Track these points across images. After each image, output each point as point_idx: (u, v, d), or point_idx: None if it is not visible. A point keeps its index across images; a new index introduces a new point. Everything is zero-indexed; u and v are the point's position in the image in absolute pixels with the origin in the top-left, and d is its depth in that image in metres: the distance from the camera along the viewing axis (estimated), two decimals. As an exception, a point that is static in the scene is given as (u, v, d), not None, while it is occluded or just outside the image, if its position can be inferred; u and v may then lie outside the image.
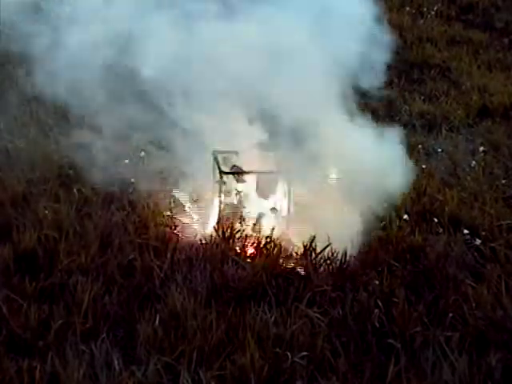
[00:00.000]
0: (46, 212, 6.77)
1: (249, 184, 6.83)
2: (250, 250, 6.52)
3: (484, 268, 6.46)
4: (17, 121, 8.49)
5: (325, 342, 5.53)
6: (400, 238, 6.73)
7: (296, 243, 6.60)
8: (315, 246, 6.49)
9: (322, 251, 6.45)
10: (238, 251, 6.49)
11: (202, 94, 6.64)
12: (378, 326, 5.71)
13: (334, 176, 6.65)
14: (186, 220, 7.02)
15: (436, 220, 7.11)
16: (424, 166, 8.16)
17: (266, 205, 6.84)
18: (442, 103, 10.02)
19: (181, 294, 5.85)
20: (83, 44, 6.90)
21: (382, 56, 6.75)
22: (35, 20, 7.60)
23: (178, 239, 6.60)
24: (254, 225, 6.77)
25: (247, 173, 6.80)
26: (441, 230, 7.00)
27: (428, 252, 6.53)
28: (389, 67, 7.30)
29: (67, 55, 6.93)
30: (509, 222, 7.18)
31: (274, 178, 6.80)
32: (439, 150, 8.72)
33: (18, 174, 7.43)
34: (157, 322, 5.59)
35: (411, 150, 8.50)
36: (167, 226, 6.81)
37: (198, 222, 7.00)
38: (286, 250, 6.54)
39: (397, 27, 12.27)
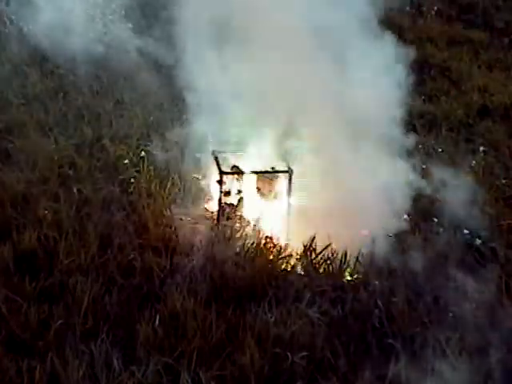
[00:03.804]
0: (46, 212, 6.77)
1: (249, 184, 6.83)
2: (250, 250, 6.51)
3: (484, 268, 6.46)
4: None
5: (325, 342, 5.53)
6: (399, 238, 6.73)
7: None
8: (315, 245, 6.49)
9: (322, 251, 6.45)
10: (238, 251, 6.49)
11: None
12: (377, 326, 5.72)
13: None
14: (186, 220, 7.02)
15: (436, 220, 7.10)
16: (424, 166, 8.15)
17: (265, 205, 6.84)
18: (442, 103, 10.01)
19: (181, 294, 5.85)
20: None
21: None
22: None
23: (178, 239, 6.60)
24: (254, 225, 6.77)
25: (247, 173, 6.80)
26: (441, 230, 7.00)
27: (427, 252, 6.53)
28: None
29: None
30: (509, 221, 7.19)
31: (273, 178, 6.79)
32: (439, 149, 8.71)
33: (18, 174, 7.43)
34: (157, 322, 5.60)
35: (411, 150, 8.51)
36: (167, 226, 6.81)
37: (199, 222, 7.00)
38: (285, 249, 6.55)
39: (397, 27, 12.27)
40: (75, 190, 7.18)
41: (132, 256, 6.32)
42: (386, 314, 5.79)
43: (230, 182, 6.85)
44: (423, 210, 7.29)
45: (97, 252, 6.33)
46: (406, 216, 7.07)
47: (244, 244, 6.56)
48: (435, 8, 13.28)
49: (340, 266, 6.37)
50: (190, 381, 5.16)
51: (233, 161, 6.88)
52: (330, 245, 6.44)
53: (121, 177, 7.54)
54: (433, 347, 5.48)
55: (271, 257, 6.45)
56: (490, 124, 9.53)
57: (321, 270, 6.37)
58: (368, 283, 6.15)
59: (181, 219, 6.99)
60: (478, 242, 6.82)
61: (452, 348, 5.48)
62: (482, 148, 8.79)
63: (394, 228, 6.83)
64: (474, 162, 8.40)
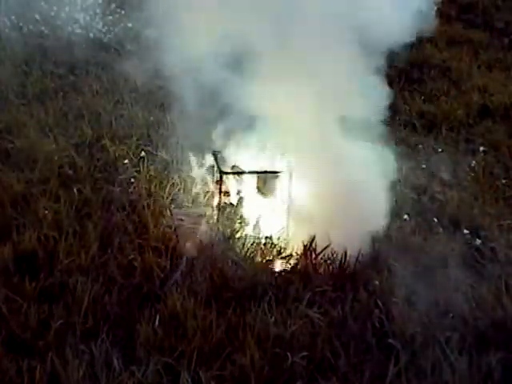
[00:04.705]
0: (46, 212, 6.77)
1: (249, 184, 6.83)
2: (250, 250, 6.52)
3: (484, 268, 6.46)
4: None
5: (325, 342, 5.53)
6: (400, 238, 6.73)
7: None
8: (315, 245, 6.49)
9: (322, 251, 6.45)
10: (238, 251, 6.49)
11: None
12: (378, 326, 5.71)
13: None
14: (186, 220, 7.02)
15: (436, 220, 7.10)
16: (424, 166, 8.16)
17: (265, 205, 6.84)
18: (442, 103, 10.01)
19: (181, 294, 5.85)
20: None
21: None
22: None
23: (177, 239, 6.60)
24: (254, 225, 6.77)
25: (247, 173, 6.80)
26: (441, 230, 7.00)
27: (428, 252, 6.53)
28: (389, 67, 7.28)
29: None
30: (509, 221, 7.19)
31: (274, 178, 6.79)
32: (439, 149, 8.72)
33: (18, 174, 7.43)
34: (157, 322, 5.60)
35: (411, 150, 8.52)
36: (167, 226, 6.81)
37: (198, 222, 7.00)
38: (285, 249, 6.54)
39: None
40: (75, 190, 7.18)
41: (132, 256, 6.32)
42: (385, 314, 5.79)
43: (230, 182, 6.85)
44: (423, 210, 7.30)
45: (97, 252, 6.32)
46: (406, 216, 7.09)
47: (244, 244, 6.57)
48: (435, 8, 13.27)
49: (340, 265, 6.36)
50: (189, 381, 5.16)
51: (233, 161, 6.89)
52: (329, 245, 6.44)
53: (121, 177, 7.54)
54: (433, 347, 5.48)
55: (271, 257, 6.44)
56: (490, 124, 9.53)
57: (321, 270, 6.37)
58: (368, 283, 6.15)
59: (181, 219, 6.99)
60: (478, 241, 6.83)
61: (452, 348, 5.48)
62: (482, 148, 8.79)
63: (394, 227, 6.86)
64: (474, 162, 8.41)
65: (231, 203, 6.83)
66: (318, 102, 6.38)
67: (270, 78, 6.35)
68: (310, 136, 6.47)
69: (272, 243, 6.57)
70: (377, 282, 6.13)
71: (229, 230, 6.66)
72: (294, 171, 6.64)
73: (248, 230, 6.74)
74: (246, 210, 6.84)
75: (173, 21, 6.68)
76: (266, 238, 6.62)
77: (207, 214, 7.06)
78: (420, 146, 8.71)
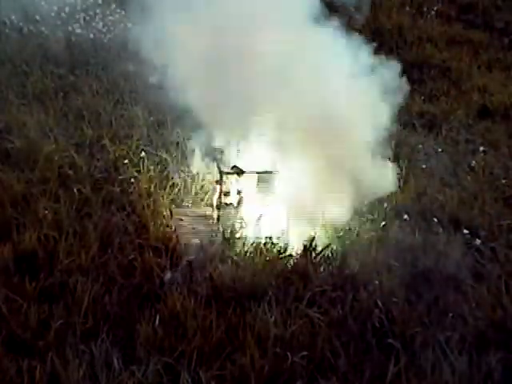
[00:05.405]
0: (46, 212, 6.77)
1: (249, 184, 6.83)
2: (250, 250, 6.51)
3: (484, 268, 6.46)
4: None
5: (325, 342, 5.53)
6: (399, 239, 6.73)
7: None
8: (315, 245, 6.50)
9: (322, 251, 6.45)
10: (238, 251, 6.49)
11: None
12: (378, 325, 5.72)
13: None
14: (186, 220, 7.03)
15: (436, 220, 7.10)
16: (424, 166, 8.16)
17: (265, 205, 6.84)
18: (442, 103, 10.01)
19: (181, 294, 5.85)
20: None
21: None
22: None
23: (178, 239, 6.60)
24: (254, 225, 6.77)
25: (247, 173, 6.80)
26: (441, 230, 6.99)
27: (428, 252, 6.53)
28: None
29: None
30: (509, 221, 7.19)
31: (273, 178, 6.79)
32: (439, 149, 8.71)
33: (18, 174, 7.43)
34: (157, 322, 5.60)
35: (411, 150, 8.52)
36: (167, 226, 6.81)
37: (199, 223, 7.00)
38: (285, 249, 6.54)
39: (397, 27, 12.27)
40: (75, 190, 7.18)
41: (132, 256, 6.32)
42: (385, 314, 5.79)
43: (230, 182, 6.85)
44: (423, 210, 7.30)
45: (97, 252, 6.33)
46: (406, 216, 7.09)
47: (244, 244, 6.57)
48: (435, 8, 13.28)
49: (340, 265, 6.36)
50: (189, 381, 5.17)
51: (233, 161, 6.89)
52: (330, 245, 6.45)
53: (121, 177, 7.54)
54: (433, 347, 5.48)
55: (271, 257, 6.44)
56: (489, 124, 9.53)
57: (321, 270, 6.37)
58: (368, 283, 6.15)
59: (181, 219, 7.00)
60: (478, 241, 6.82)
61: (452, 348, 5.49)
62: (481, 148, 8.79)
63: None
64: (474, 161, 8.41)
65: (231, 203, 6.83)
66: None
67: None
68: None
69: (272, 243, 6.56)
70: (377, 282, 6.13)
71: (229, 230, 6.66)
72: (292, 169, 6.64)
73: (248, 230, 6.74)
74: (246, 210, 6.84)
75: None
76: (266, 237, 6.62)
77: (207, 214, 7.07)
78: (420, 146, 8.70)
